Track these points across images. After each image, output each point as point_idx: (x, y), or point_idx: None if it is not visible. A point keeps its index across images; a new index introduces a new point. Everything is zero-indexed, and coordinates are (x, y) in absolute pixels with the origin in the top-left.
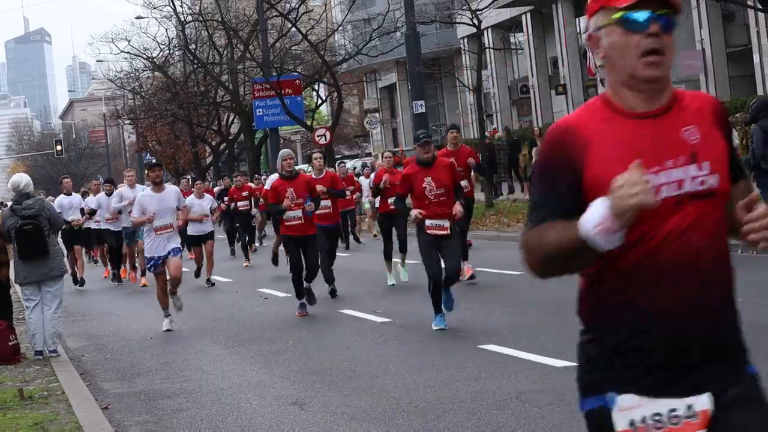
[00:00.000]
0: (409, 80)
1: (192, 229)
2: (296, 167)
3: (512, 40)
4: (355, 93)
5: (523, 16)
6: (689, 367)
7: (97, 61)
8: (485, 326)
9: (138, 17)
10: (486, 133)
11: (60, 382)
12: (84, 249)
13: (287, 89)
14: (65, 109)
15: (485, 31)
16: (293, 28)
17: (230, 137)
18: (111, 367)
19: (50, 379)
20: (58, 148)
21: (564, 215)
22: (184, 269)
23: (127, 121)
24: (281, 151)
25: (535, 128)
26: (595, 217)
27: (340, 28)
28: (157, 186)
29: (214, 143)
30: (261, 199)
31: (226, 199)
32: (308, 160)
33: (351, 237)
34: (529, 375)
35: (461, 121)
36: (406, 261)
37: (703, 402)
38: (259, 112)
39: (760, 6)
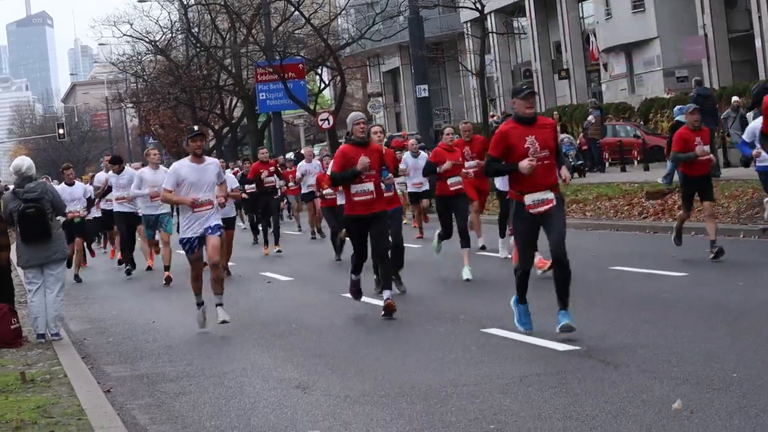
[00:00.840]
0: (412, 64)
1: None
2: (315, 152)
3: (515, 24)
4: (358, 77)
5: (526, 1)
6: None
7: (100, 44)
8: (488, 310)
9: (140, 0)
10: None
11: (62, 366)
12: (88, 241)
13: (290, 73)
14: (67, 93)
15: (488, 16)
16: (296, 12)
17: (233, 121)
18: (113, 351)
19: (52, 362)
20: (60, 131)
21: None
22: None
23: (130, 105)
24: (352, 113)
25: (555, 113)
26: None
27: (343, 12)
28: (198, 158)
29: (217, 127)
30: (292, 183)
31: (246, 186)
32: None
33: None
34: (533, 359)
35: (464, 106)
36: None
37: None
38: (262, 96)
39: None
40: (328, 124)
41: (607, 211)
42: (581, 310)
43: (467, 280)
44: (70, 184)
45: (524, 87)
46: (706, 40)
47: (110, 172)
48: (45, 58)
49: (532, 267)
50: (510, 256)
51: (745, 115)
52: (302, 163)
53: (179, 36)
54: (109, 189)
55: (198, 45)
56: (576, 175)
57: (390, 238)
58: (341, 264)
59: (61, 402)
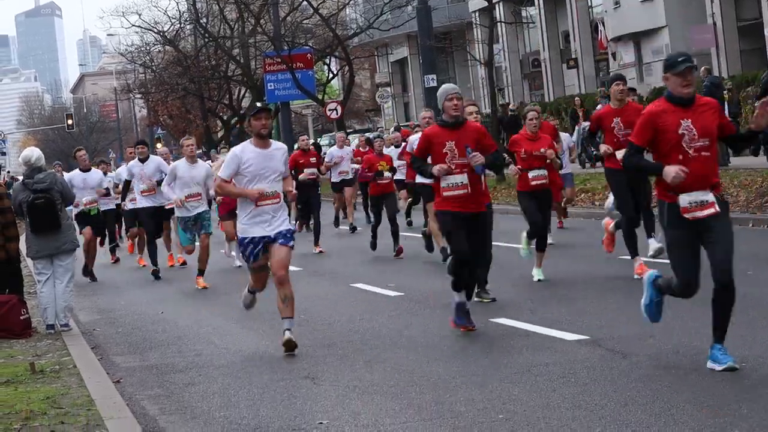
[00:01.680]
0: (421, 54)
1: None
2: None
3: (524, 13)
4: (366, 67)
5: None
6: None
7: (108, 35)
8: (497, 300)
9: None
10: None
11: (72, 356)
12: (100, 236)
13: (298, 63)
14: (76, 83)
15: (497, 5)
16: (304, 2)
17: (241, 111)
18: (123, 341)
19: (62, 353)
20: (69, 122)
21: None
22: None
23: (138, 96)
24: (444, 86)
25: (576, 98)
26: None
27: (352, 1)
28: (263, 140)
29: (225, 117)
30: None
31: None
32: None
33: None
34: (541, 348)
35: (472, 95)
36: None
37: None
38: (271, 86)
39: None
40: (337, 114)
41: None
42: (589, 301)
43: (539, 280)
44: (86, 169)
45: (680, 59)
46: (715, 29)
47: (132, 162)
48: (53, 49)
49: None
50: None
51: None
52: (333, 149)
53: (188, 26)
54: (126, 184)
55: (206, 35)
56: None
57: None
58: (368, 257)
59: (71, 392)
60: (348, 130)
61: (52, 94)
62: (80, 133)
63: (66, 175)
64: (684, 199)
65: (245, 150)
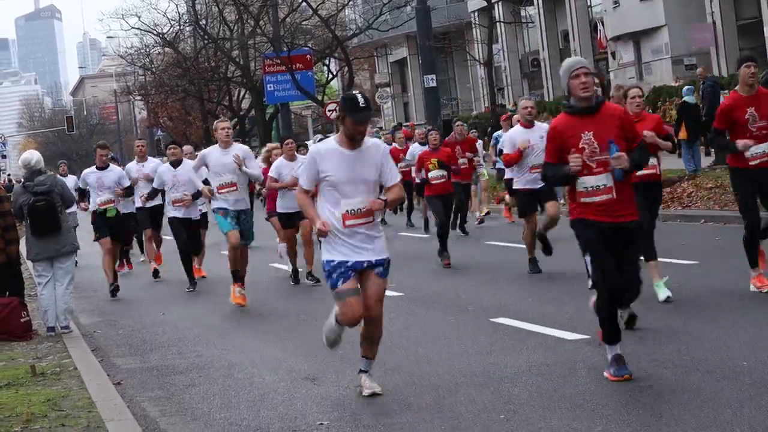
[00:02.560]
0: (420, 54)
1: (284, 204)
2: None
3: (523, 13)
4: (365, 67)
5: None
6: None
7: (108, 37)
8: (496, 300)
9: None
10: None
11: (72, 358)
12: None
13: (298, 64)
14: (76, 86)
15: (496, 5)
16: (304, 3)
17: (241, 113)
18: (123, 343)
19: (62, 355)
20: (69, 124)
21: None
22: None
23: (138, 98)
24: (568, 60)
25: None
26: None
27: (351, 2)
28: (354, 143)
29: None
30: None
31: None
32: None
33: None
34: (541, 348)
35: (472, 95)
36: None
37: None
38: (270, 87)
39: None
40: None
41: None
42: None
43: (667, 299)
44: (103, 167)
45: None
46: (715, 28)
47: (163, 168)
48: (53, 52)
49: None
50: None
51: None
52: (415, 146)
53: (187, 28)
54: (155, 192)
55: (206, 37)
56: None
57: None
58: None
59: (72, 395)
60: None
61: (52, 97)
62: (80, 135)
63: (66, 178)
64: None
65: (329, 150)
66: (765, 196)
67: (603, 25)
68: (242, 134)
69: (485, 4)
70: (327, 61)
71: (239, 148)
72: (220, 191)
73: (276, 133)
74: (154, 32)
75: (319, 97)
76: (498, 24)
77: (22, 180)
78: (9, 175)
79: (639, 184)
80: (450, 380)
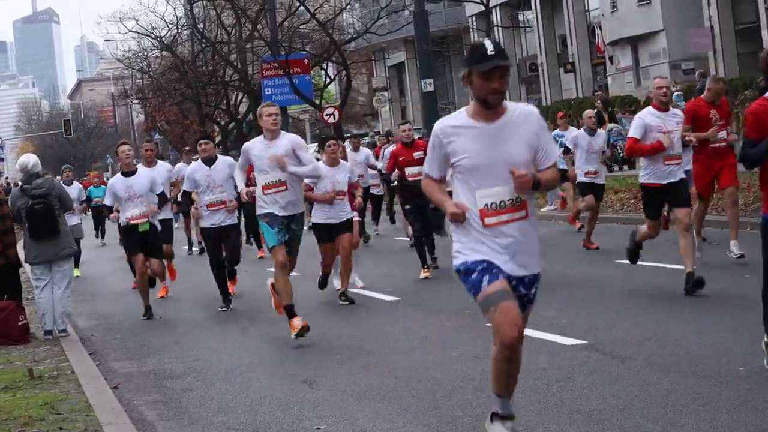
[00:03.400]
0: (418, 58)
1: (323, 215)
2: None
3: (520, 17)
4: (363, 72)
5: None
6: None
7: (105, 40)
8: None
9: None
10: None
11: (70, 362)
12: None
13: (296, 68)
14: (73, 89)
15: (493, 9)
16: (301, 7)
17: (239, 116)
18: (120, 347)
19: (60, 358)
20: (67, 128)
21: None
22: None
23: (136, 101)
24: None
25: (600, 92)
26: None
27: (348, 6)
28: (490, 111)
29: (222, 122)
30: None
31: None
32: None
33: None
34: (539, 353)
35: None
36: None
37: None
38: (268, 91)
39: None
40: (334, 119)
41: (614, 204)
42: (587, 304)
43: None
44: (129, 172)
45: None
46: (713, 32)
47: (194, 165)
48: (51, 55)
49: None
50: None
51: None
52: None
53: (185, 32)
54: (187, 196)
55: (203, 40)
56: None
57: None
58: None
59: (69, 398)
60: (345, 135)
61: (50, 100)
62: (78, 139)
63: (71, 186)
64: None
65: (467, 132)
66: None
67: (601, 29)
68: (240, 138)
69: (483, 8)
70: (325, 65)
71: (288, 141)
72: (266, 191)
73: None
74: (152, 36)
75: (317, 101)
76: (496, 28)
77: (20, 183)
78: (6, 178)
79: None
80: (447, 384)
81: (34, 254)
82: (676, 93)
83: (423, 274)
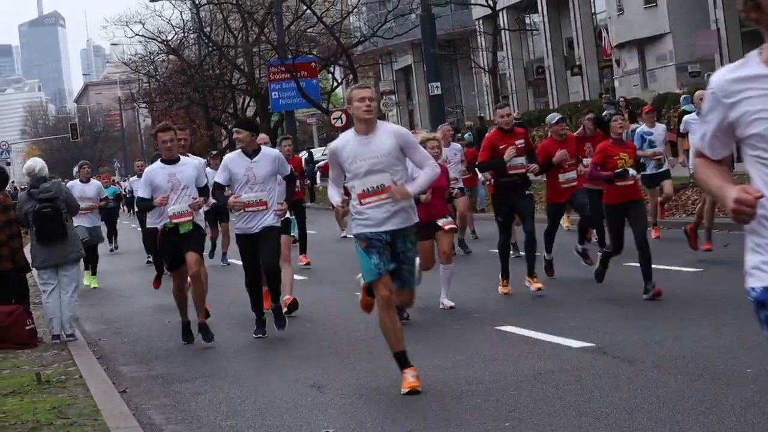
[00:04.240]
0: (425, 62)
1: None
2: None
3: (527, 21)
4: (370, 75)
5: None
6: None
7: (112, 44)
8: (501, 307)
9: (152, 0)
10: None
11: (77, 366)
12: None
13: (303, 72)
14: (80, 93)
15: (500, 12)
16: (308, 11)
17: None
18: (128, 351)
19: (68, 363)
20: (73, 132)
21: None
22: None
23: (143, 105)
24: None
25: (621, 98)
26: None
27: (355, 10)
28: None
29: (229, 126)
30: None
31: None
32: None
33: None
34: (547, 356)
35: (476, 103)
36: None
37: None
38: (275, 95)
39: None
40: (341, 122)
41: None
42: (595, 307)
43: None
44: (171, 160)
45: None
46: (719, 35)
47: (230, 156)
48: (57, 59)
49: None
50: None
51: None
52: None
53: (191, 35)
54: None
55: (210, 44)
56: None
57: None
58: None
59: (77, 403)
60: None
61: (56, 104)
62: (84, 142)
63: (88, 183)
64: None
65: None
66: None
67: (607, 32)
68: None
69: (490, 11)
70: (332, 69)
71: (394, 133)
72: (364, 201)
73: (280, 140)
74: (159, 39)
75: (324, 105)
76: (503, 32)
77: (27, 187)
78: (13, 182)
79: None
80: (455, 388)
81: (41, 258)
82: (683, 96)
83: (502, 290)
